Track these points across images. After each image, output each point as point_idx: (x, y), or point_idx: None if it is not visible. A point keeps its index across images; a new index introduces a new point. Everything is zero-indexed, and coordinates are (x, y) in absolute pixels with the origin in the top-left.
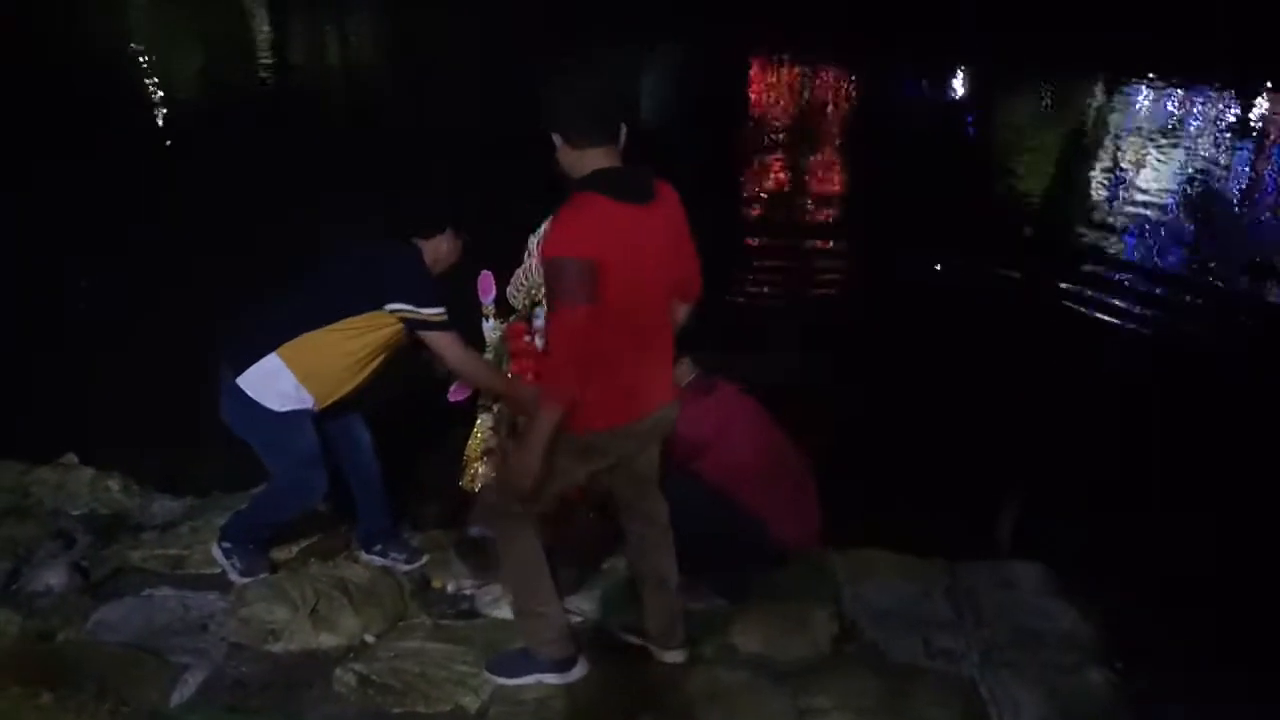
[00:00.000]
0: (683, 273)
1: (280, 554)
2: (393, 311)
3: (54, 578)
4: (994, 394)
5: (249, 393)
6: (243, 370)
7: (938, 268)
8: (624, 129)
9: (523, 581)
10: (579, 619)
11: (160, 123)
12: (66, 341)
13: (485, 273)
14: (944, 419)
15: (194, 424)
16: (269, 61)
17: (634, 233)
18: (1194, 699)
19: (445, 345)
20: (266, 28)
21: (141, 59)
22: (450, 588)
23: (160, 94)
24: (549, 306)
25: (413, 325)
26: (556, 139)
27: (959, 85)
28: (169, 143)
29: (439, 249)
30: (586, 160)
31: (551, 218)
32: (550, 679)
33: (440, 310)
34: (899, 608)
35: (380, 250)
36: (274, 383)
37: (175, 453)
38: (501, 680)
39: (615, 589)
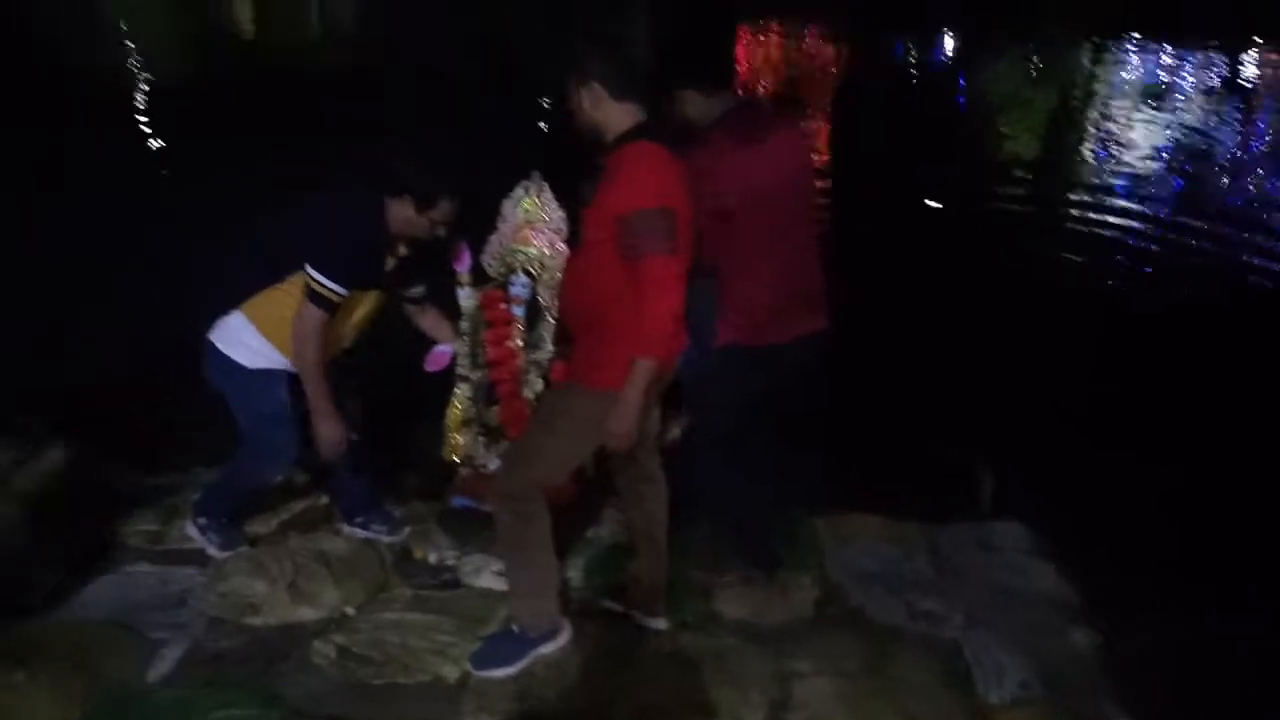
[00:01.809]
0: None
1: (260, 527)
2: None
3: (32, 554)
4: (975, 352)
5: (220, 347)
6: (214, 327)
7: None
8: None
9: (527, 562)
10: (561, 587)
11: (147, 91)
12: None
13: (460, 242)
14: (924, 376)
15: (175, 401)
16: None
17: (683, 182)
18: (1180, 657)
19: (304, 314)
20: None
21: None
22: (432, 558)
23: (146, 65)
24: (631, 260)
25: (307, 290)
26: (596, 89)
27: (947, 49)
28: (155, 111)
29: (399, 213)
30: (624, 114)
31: (609, 174)
32: (543, 651)
33: (330, 284)
34: (881, 571)
35: (329, 201)
36: (241, 338)
37: (156, 430)
38: (501, 673)
39: (597, 557)
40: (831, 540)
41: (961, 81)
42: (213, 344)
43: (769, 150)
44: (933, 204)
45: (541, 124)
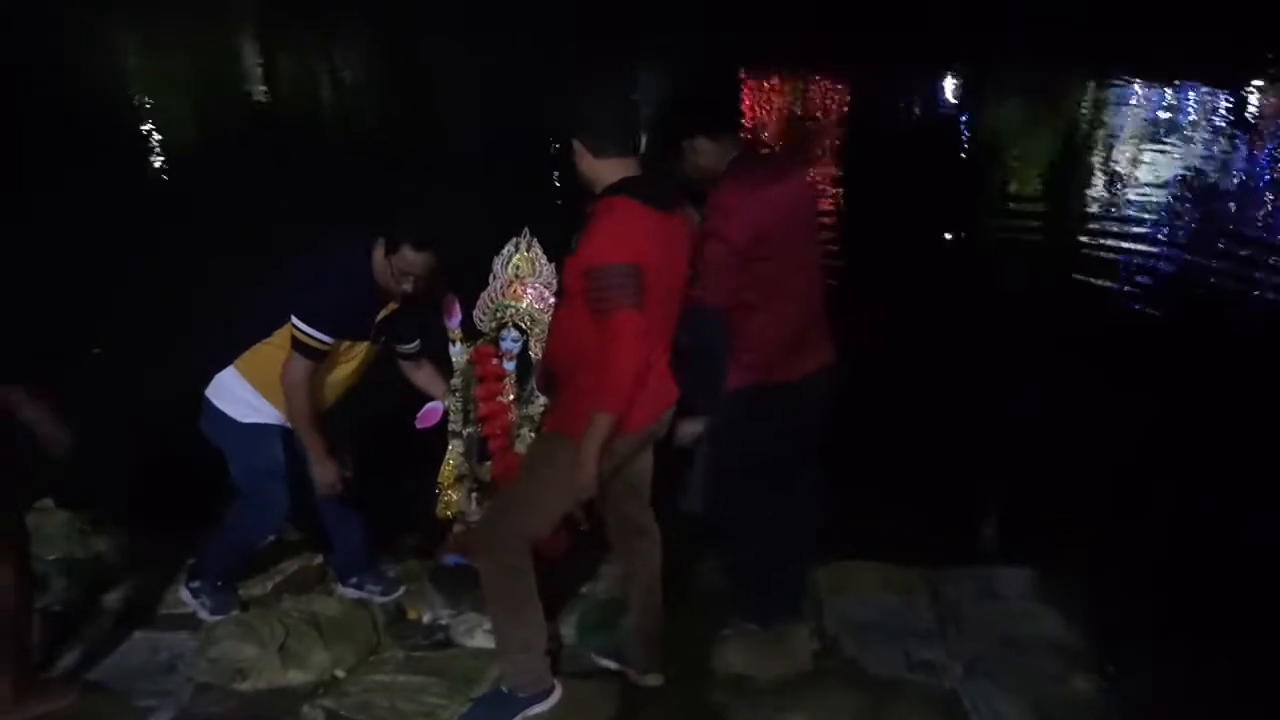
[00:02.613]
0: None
1: (255, 589)
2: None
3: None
4: (974, 389)
5: (214, 402)
6: (209, 381)
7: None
8: (642, 138)
9: (515, 618)
10: (553, 643)
11: (160, 155)
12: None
13: (450, 297)
14: (924, 416)
15: (173, 466)
16: (264, 91)
17: (663, 238)
18: (1189, 702)
19: (290, 364)
20: (258, 59)
21: (139, 98)
22: (426, 618)
23: (158, 128)
24: (598, 313)
25: (293, 339)
26: (578, 146)
27: (949, 88)
28: (168, 175)
29: (378, 260)
30: (610, 169)
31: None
32: (534, 712)
33: (314, 334)
34: (880, 620)
35: (315, 257)
36: (235, 393)
37: (151, 495)
38: None
39: (590, 613)
40: (830, 589)
41: (965, 120)
42: (208, 399)
43: (780, 192)
44: (943, 234)
45: (548, 177)
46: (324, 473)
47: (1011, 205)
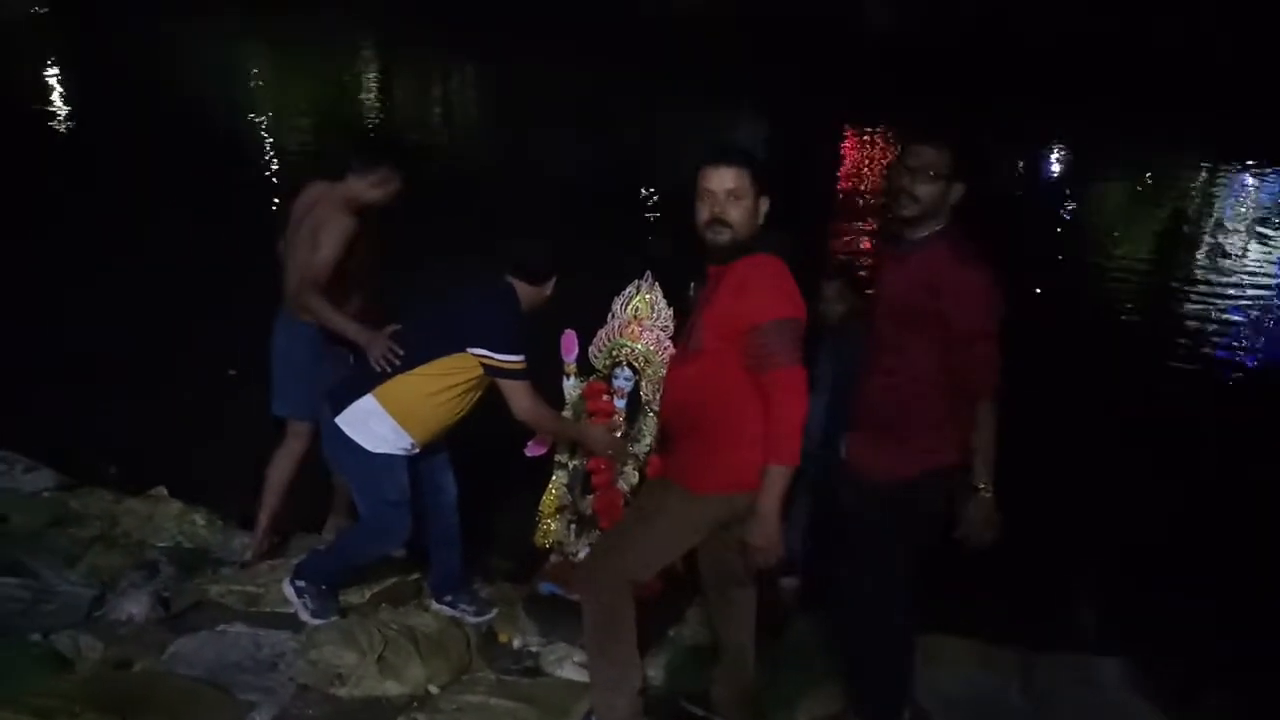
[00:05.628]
0: None
1: (353, 597)
2: (474, 355)
3: (135, 607)
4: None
5: (346, 431)
6: (341, 410)
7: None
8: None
9: (611, 652)
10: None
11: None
12: (172, 380)
13: (569, 332)
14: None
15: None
16: (380, 113)
17: None
18: None
19: (514, 393)
20: (376, 84)
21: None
22: (516, 643)
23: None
24: (760, 369)
25: (488, 370)
26: (765, 201)
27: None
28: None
29: (540, 295)
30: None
31: (733, 284)
32: None
33: (517, 358)
34: (973, 699)
35: (471, 292)
36: (370, 423)
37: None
38: None
39: (680, 657)
40: (924, 662)
41: (1067, 197)
42: (338, 426)
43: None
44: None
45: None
46: (597, 437)
47: (1109, 280)
